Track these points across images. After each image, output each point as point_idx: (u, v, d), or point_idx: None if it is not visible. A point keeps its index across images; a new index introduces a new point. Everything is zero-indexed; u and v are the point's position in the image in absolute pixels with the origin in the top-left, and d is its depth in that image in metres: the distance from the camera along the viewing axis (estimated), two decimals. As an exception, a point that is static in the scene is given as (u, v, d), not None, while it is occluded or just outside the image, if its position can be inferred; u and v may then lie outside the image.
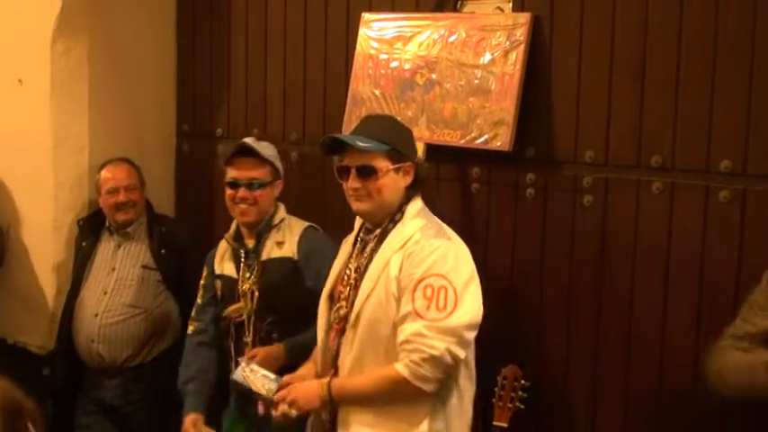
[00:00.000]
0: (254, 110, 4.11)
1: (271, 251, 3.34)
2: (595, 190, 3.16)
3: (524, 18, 3.23)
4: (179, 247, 3.93)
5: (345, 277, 2.84)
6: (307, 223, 3.44)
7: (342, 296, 2.82)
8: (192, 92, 4.36)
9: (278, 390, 2.90)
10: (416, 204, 2.79)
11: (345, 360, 2.77)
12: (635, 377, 3.12)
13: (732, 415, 2.86)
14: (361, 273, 2.78)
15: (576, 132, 3.20)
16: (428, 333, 2.59)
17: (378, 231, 2.79)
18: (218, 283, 3.45)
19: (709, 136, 2.94)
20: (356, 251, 2.86)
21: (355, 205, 2.79)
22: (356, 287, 2.78)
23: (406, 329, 2.62)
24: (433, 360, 2.60)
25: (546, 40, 3.23)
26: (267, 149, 3.42)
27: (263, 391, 2.95)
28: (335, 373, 2.81)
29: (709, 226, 2.95)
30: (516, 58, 3.23)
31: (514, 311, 3.37)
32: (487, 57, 3.29)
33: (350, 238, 2.95)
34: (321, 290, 3.02)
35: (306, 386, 2.82)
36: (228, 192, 3.36)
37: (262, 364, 3.10)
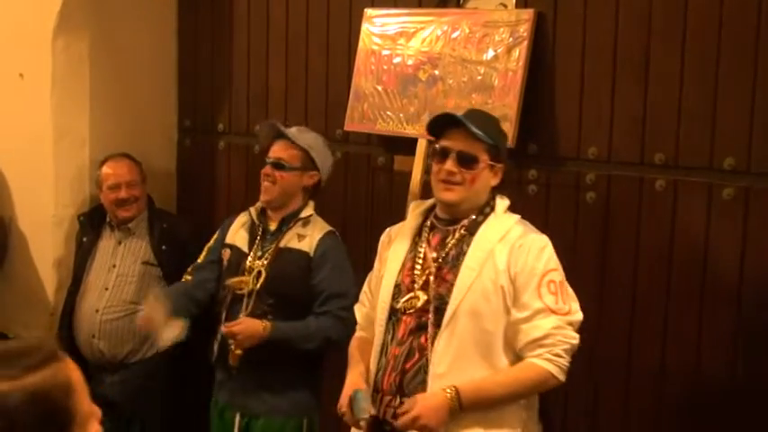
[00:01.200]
0: (256, 105, 4.10)
1: (290, 241, 3.36)
2: (598, 187, 3.16)
3: (527, 14, 3.22)
4: (180, 242, 3.92)
5: (419, 267, 2.70)
6: (329, 227, 3.43)
7: (416, 286, 2.68)
8: (194, 87, 4.35)
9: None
10: (505, 201, 2.74)
11: (443, 357, 2.59)
12: (636, 374, 3.12)
13: (731, 410, 2.86)
14: (449, 263, 2.65)
15: (579, 129, 3.20)
16: (564, 326, 2.57)
17: (465, 222, 2.68)
18: (227, 252, 3.46)
19: (712, 133, 2.94)
20: (428, 241, 2.73)
21: (444, 194, 2.68)
22: (442, 277, 2.64)
23: (542, 325, 2.55)
24: (572, 350, 2.59)
25: (549, 36, 3.23)
26: (305, 136, 3.40)
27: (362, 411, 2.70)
28: (420, 372, 2.63)
29: (713, 223, 2.95)
30: (519, 54, 3.22)
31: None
32: (490, 53, 3.29)
33: (401, 229, 2.83)
34: (321, 291, 3.11)
35: (430, 400, 2.56)
36: (263, 169, 3.41)
37: (242, 334, 3.19)
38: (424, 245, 2.72)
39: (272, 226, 3.41)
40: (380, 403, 2.69)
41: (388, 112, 3.53)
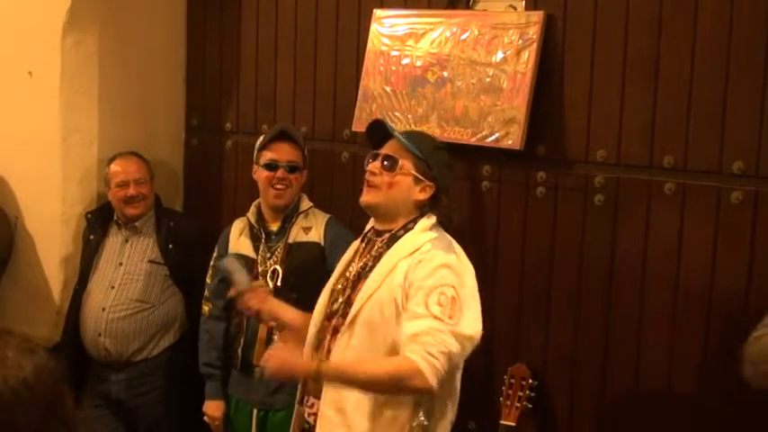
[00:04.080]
0: (264, 104, 4.10)
1: (297, 235, 3.45)
2: (606, 190, 3.16)
3: (537, 16, 3.22)
4: (187, 241, 3.92)
5: (347, 274, 2.83)
6: (327, 214, 3.56)
7: (340, 290, 2.81)
8: (202, 86, 4.34)
9: (250, 287, 3.04)
10: (430, 219, 2.75)
11: (340, 354, 2.70)
12: (644, 376, 3.12)
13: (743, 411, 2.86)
14: (364, 272, 2.76)
15: (588, 131, 3.19)
16: (444, 331, 2.52)
17: (387, 236, 2.76)
18: None
19: (721, 137, 2.93)
20: (361, 250, 2.84)
21: (363, 197, 2.78)
22: (355, 286, 2.75)
23: (421, 324, 2.51)
24: (448, 356, 2.51)
25: (559, 38, 3.23)
26: (301, 136, 3.55)
27: (241, 284, 3.03)
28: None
29: (721, 227, 2.94)
30: (529, 56, 3.22)
31: (523, 310, 3.36)
32: (500, 55, 3.29)
33: (357, 242, 2.93)
34: None
35: (288, 352, 2.72)
36: (266, 174, 3.45)
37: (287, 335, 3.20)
38: (357, 255, 2.84)
39: (274, 226, 3.47)
40: (300, 400, 2.87)
41: (397, 113, 3.54)
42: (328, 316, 2.80)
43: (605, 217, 3.16)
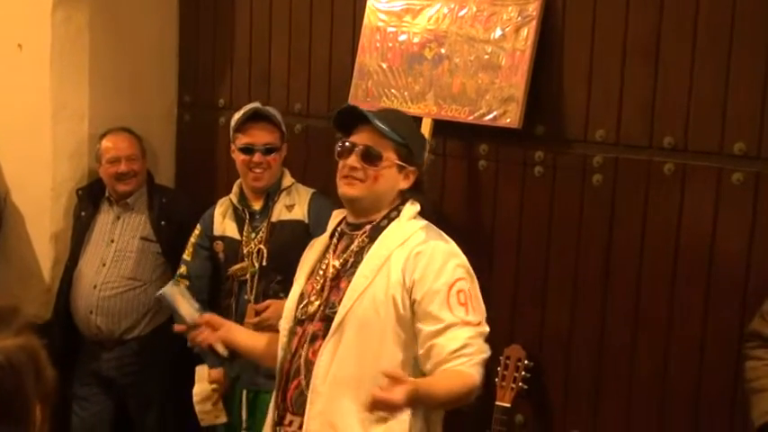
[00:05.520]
0: (258, 80, 4.06)
1: (280, 214, 3.42)
2: (605, 170, 3.13)
3: (537, -7, 3.18)
4: (179, 219, 3.87)
5: (321, 273, 2.61)
6: (311, 189, 3.51)
7: (313, 292, 2.60)
8: (195, 61, 4.29)
9: (197, 320, 2.80)
10: (415, 206, 2.58)
11: (325, 371, 2.48)
12: (640, 359, 3.10)
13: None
14: (346, 269, 2.56)
15: (587, 111, 3.16)
16: (478, 337, 2.43)
17: (368, 227, 2.57)
18: (220, 245, 3.48)
19: (723, 117, 2.91)
20: (334, 247, 2.63)
21: (344, 189, 2.56)
22: (336, 285, 2.55)
23: (460, 335, 2.38)
24: (484, 363, 2.45)
25: (558, 16, 3.18)
26: (276, 114, 3.48)
27: (187, 317, 2.86)
28: (303, 382, 2.53)
29: (721, 209, 2.92)
30: (528, 33, 3.17)
31: (519, 291, 3.34)
32: (498, 32, 3.24)
33: (322, 237, 2.72)
34: None
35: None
36: (243, 157, 3.39)
37: (272, 315, 3.18)
38: (330, 253, 2.63)
39: (257, 206, 3.45)
40: (273, 416, 2.63)
41: (393, 90, 3.49)
42: (299, 321, 2.60)
43: (604, 197, 3.14)
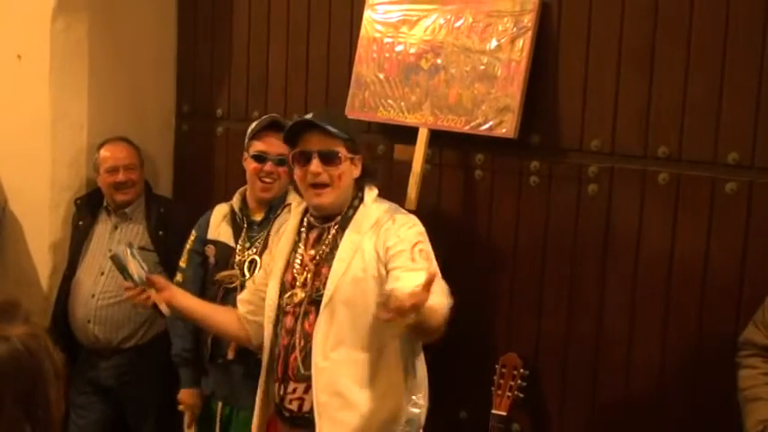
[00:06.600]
0: (256, 90, 4.07)
1: (281, 228, 3.33)
2: (600, 179, 3.15)
3: (532, 4, 3.20)
4: (177, 228, 3.87)
5: (298, 265, 2.82)
6: None
7: (297, 283, 2.81)
8: (193, 71, 4.31)
9: (147, 279, 2.94)
10: (374, 191, 2.84)
11: (324, 342, 2.71)
12: (636, 366, 3.11)
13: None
14: (324, 257, 2.78)
15: (583, 121, 3.18)
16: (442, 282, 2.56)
17: (338, 218, 2.80)
18: (212, 249, 3.45)
19: (717, 127, 2.93)
20: (306, 240, 2.85)
21: (315, 200, 2.78)
22: (317, 273, 2.77)
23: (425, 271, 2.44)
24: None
25: (554, 26, 3.21)
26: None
27: (135, 275, 2.96)
28: (308, 357, 2.75)
29: (715, 218, 2.94)
30: (523, 44, 3.20)
31: (515, 299, 3.35)
32: (494, 43, 3.26)
33: (287, 229, 2.94)
34: None
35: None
36: (253, 165, 3.36)
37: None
38: (301, 244, 2.85)
39: (258, 216, 3.40)
40: (277, 391, 2.83)
41: (389, 101, 3.51)
42: (287, 307, 2.81)
43: (599, 207, 3.15)
